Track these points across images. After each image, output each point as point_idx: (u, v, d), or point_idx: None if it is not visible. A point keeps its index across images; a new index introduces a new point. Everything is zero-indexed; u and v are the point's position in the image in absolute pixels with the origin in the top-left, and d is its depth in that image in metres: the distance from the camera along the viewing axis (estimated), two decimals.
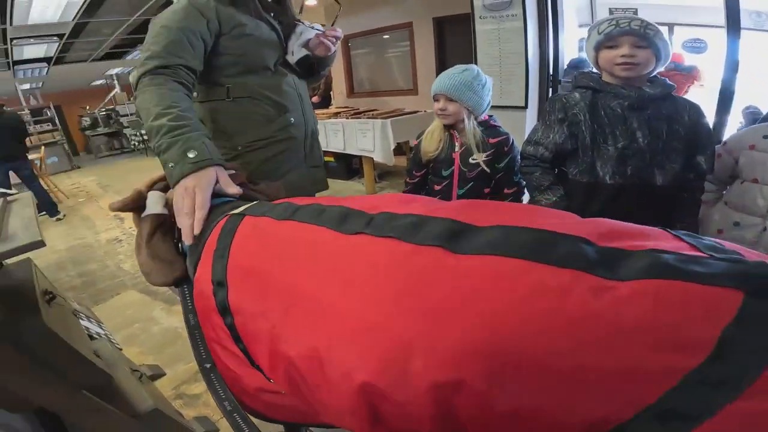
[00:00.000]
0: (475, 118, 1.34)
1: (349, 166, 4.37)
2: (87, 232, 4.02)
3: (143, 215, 0.67)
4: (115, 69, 9.43)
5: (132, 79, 0.96)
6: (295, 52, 1.22)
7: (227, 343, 0.51)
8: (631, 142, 1.07)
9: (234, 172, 0.75)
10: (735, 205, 1.25)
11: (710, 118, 2.53)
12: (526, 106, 2.80)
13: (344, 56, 5.72)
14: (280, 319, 0.45)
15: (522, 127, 2.76)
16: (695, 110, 1.10)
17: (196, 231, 0.61)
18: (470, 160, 1.34)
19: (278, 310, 0.46)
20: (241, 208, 0.60)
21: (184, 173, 0.67)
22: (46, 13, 4.54)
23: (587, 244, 0.38)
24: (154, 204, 0.67)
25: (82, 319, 1.40)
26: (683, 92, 3.49)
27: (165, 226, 0.68)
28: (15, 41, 5.51)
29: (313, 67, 1.30)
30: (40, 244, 0.82)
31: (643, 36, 1.02)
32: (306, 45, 1.23)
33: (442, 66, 4.67)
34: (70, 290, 2.66)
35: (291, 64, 1.24)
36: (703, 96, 2.76)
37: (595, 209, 1.14)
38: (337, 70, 5.90)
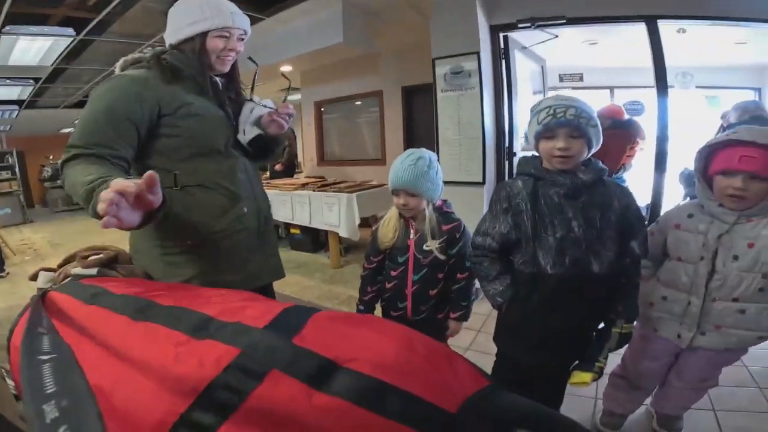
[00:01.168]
0: (432, 205, 1.36)
1: (315, 238, 4.28)
2: (30, 292, 3.68)
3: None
4: None
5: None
6: (247, 132, 1.14)
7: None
8: (568, 232, 1.10)
9: (94, 266, 0.94)
10: (665, 281, 1.28)
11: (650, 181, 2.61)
12: (483, 182, 2.78)
13: (317, 122, 5.85)
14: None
15: (480, 205, 2.72)
16: (624, 194, 1.15)
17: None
18: (424, 247, 1.34)
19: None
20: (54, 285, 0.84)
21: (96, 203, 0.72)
22: (27, 55, 4.38)
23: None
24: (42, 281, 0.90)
25: (8, 379, 1.35)
26: (625, 154, 3.51)
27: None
28: None
29: (265, 147, 1.22)
30: None
31: (576, 126, 1.07)
32: (258, 123, 1.16)
33: (409, 134, 4.88)
34: (2, 349, 2.41)
35: (243, 144, 1.15)
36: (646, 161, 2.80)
37: (539, 299, 1.15)
38: (308, 137, 6.00)
